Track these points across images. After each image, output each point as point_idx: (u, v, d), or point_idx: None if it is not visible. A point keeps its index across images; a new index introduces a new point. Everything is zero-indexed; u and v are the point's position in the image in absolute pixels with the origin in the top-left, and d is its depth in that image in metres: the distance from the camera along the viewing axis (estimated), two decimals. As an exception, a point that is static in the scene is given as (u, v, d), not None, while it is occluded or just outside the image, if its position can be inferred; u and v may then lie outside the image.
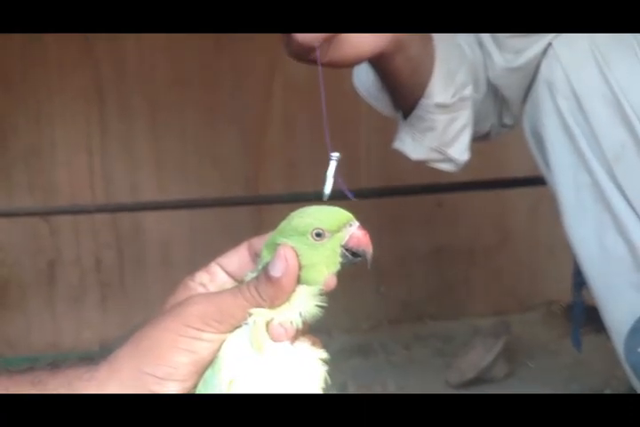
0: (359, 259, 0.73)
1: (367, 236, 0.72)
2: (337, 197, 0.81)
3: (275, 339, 0.70)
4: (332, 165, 0.82)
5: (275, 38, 0.99)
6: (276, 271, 0.69)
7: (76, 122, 2.44)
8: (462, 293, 2.67)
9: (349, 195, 0.79)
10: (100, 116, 2.45)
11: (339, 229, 0.72)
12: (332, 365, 0.73)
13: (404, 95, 1.22)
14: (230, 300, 0.70)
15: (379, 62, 1.12)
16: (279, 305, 0.70)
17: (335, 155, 0.83)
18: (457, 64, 1.23)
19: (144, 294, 2.46)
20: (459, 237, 2.65)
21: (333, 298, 0.72)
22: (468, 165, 1.33)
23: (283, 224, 0.73)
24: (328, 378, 0.72)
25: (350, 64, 1.05)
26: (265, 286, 0.69)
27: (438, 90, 1.19)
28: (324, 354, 0.73)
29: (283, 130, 2.49)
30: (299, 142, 2.49)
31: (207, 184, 2.49)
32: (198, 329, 0.69)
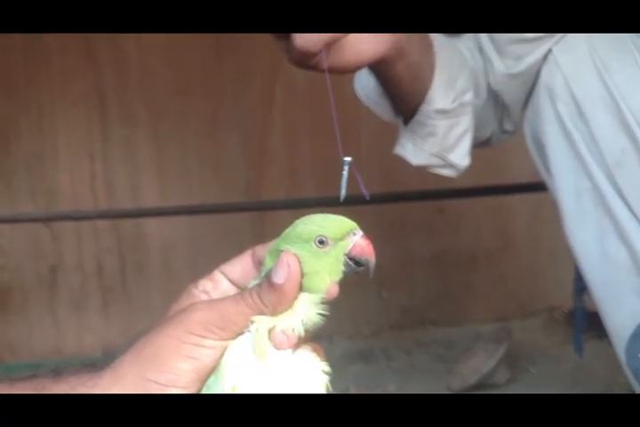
0: (362, 268, 0.73)
1: (371, 245, 0.72)
2: (338, 204, 0.81)
3: (277, 346, 0.70)
4: (346, 170, 0.83)
5: (276, 45, 0.99)
6: (278, 278, 0.69)
7: (78, 128, 2.44)
8: (464, 298, 2.67)
9: (366, 195, 0.81)
10: (102, 122, 2.45)
11: (342, 238, 0.72)
12: (334, 370, 0.73)
13: (405, 101, 1.22)
14: (232, 306, 0.70)
15: (379, 68, 1.13)
16: (281, 312, 0.70)
17: (347, 159, 0.84)
18: (457, 70, 1.23)
19: (146, 299, 2.47)
20: (460, 242, 2.65)
21: (335, 304, 0.72)
22: (469, 171, 1.33)
23: (287, 231, 0.73)
24: (330, 386, 0.72)
25: (350, 70, 1.05)
26: (267, 293, 0.69)
27: (439, 96, 1.20)
28: (326, 361, 0.73)
29: (284, 136, 2.49)
30: (300, 149, 2.49)
31: (209, 190, 2.49)
32: (200, 336, 0.69)
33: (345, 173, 0.83)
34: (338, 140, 0.84)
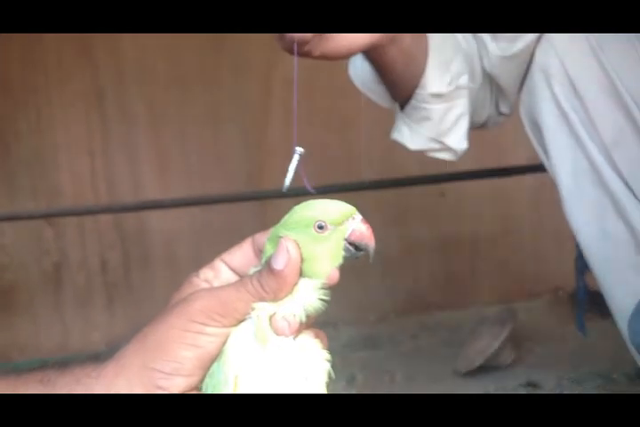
0: (362, 253, 0.73)
1: (370, 229, 0.72)
2: (338, 191, 0.81)
3: (278, 332, 0.70)
4: (295, 159, 0.83)
5: (272, 35, 1.00)
6: (278, 264, 0.69)
7: (76, 125, 2.44)
8: (468, 282, 2.68)
9: (310, 189, 0.81)
10: (101, 118, 2.45)
11: (342, 223, 0.72)
12: (341, 357, 0.73)
13: (400, 86, 1.23)
14: (233, 293, 0.70)
15: (372, 54, 1.13)
16: (282, 298, 0.70)
17: (299, 149, 0.84)
18: (451, 54, 1.24)
19: (151, 293, 2.47)
20: (462, 226, 2.66)
21: (340, 291, 0.72)
22: (470, 156, 1.33)
23: (286, 217, 0.73)
24: (332, 372, 0.73)
25: (343, 56, 1.05)
26: (267, 279, 0.70)
27: (433, 79, 1.20)
28: (328, 347, 0.73)
29: (283, 127, 2.50)
30: (300, 137, 2.49)
31: (210, 183, 2.50)
32: (202, 324, 0.69)
33: (294, 161, 0.83)
34: (294, 129, 0.84)
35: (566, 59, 1.25)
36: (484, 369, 2.11)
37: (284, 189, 0.82)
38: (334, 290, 0.72)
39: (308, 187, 0.81)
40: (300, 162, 0.83)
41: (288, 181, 0.83)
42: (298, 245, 0.70)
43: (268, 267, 0.70)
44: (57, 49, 2.37)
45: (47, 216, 2.38)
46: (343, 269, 0.72)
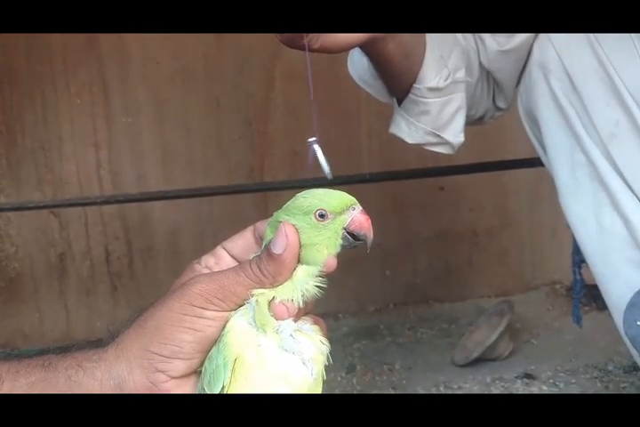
0: (360, 242, 0.74)
1: (369, 220, 0.74)
2: (338, 183, 0.82)
3: (277, 316, 0.71)
4: (318, 148, 0.84)
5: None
6: (277, 248, 0.70)
7: (82, 118, 2.46)
8: (466, 274, 2.69)
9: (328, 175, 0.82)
10: (106, 111, 2.47)
11: (342, 212, 0.73)
12: (341, 347, 0.74)
13: (398, 81, 1.24)
14: (232, 277, 0.71)
15: (371, 48, 1.14)
16: (281, 282, 0.71)
17: (313, 139, 0.84)
18: (449, 48, 1.24)
19: (154, 283, 2.49)
20: (461, 220, 2.67)
21: (340, 282, 0.73)
22: (469, 150, 1.34)
23: (288, 203, 0.74)
24: (330, 357, 0.74)
25: (342, 49, 1.06)
26: (266, 263, 0.71)
27: (430, 74, 1.21)
28: (326, 333, 0.74)
29: (284, 118, 2.51)
30: (301, 130, 2.51)
31: (212, 176, 2.51)
32: (201, 307, 0.70)
33: (318, 152, 0.83)
34: (314, 121, 0.85)
35: (564, 53, 1.25)
36: (481, 360, 2.12)
37: (329, 176, 0.82)
38: (335, 282, 0.73)
39: (326, 170, 0.82)
40: (316, 150, 0.84)
41: (326, 168, 0.83)
42: (297, 230, 0.71)
43: (267, 251, 0.71)
44: (62, 42, 2.39)
45: (52, 207, 2.39)
46: (343, 261, 0.73)
